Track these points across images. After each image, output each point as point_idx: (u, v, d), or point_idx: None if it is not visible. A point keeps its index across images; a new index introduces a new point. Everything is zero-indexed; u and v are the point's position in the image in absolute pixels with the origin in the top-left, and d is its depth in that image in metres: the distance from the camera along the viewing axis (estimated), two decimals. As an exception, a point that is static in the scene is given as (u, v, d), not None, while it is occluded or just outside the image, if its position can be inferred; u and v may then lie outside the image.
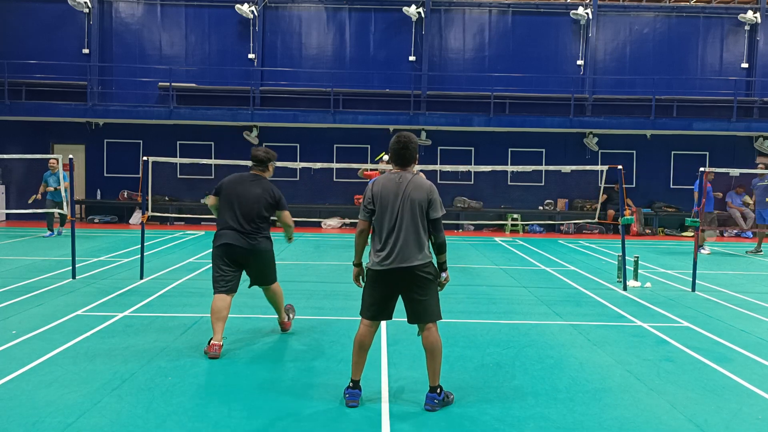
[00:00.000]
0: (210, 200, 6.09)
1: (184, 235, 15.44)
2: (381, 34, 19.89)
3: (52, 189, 14.53)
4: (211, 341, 5.57)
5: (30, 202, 14.98)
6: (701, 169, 9.87)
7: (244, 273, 6.00)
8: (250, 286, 6.20)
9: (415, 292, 4.44)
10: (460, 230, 18.61)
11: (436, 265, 4.52)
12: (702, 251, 14.08)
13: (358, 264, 4.70)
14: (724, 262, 12.90)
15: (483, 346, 6.09)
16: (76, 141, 19.46)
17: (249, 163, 13.21)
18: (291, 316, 6.50)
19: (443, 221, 4.50)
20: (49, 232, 14.54)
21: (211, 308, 5.71)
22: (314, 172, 19.07)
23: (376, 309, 4.55)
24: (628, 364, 5.61)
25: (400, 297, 4.54)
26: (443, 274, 4.53)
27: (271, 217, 6.01)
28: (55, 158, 14.13)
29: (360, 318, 4.59)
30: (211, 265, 6.04)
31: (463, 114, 18.76)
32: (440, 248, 4.47)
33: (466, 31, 19.99)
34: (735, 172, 14.43)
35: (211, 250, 6.04)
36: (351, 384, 4.52)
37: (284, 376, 5.11)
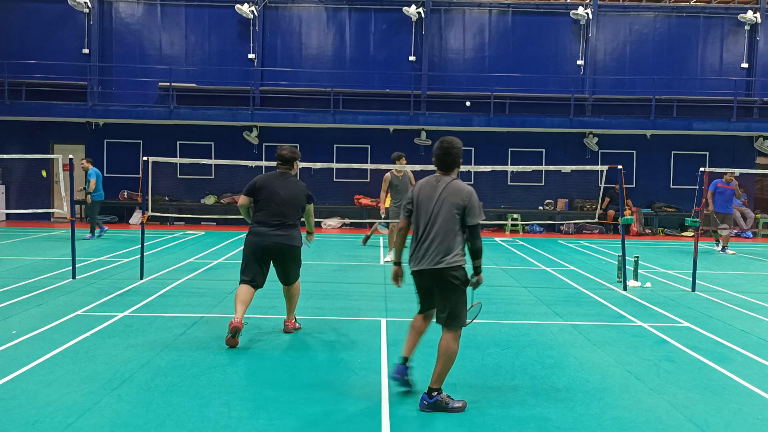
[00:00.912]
0: (243, 200, 6.25)
1: (184, 235, 15.44)
2: (381, 34, 19.89)
3: (91, 186, 14.33)
4: (232, 320, 5.80)
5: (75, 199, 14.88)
6: (701, 169, 9.87)
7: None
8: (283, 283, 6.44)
9: (441, 294, 4.47)
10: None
11: (468, 270, 4.51)
12: (728, 252, 14.22)
13: (397, 263, 4.78)
14: (725, 262, 12.90)
15: (483, 346, 6.09)
16: (76, 141, 19.46)
17: (249, 163, 13.15)
18: (298, 324, 6.55)
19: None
20: (89, 235, 14.33)
21: (236, 294, 6.04)
22: (314, 172, 19.05)
23: (422, 304, 4.74)
24: (628, 364, 5.61)
25: None
26: (475, 278, 4.55)
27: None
28: (85, 159, 14.80)
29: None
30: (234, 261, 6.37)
31: (463, 114, 18.76)
32: (475, 254, 4.49)
33: (466, 31, 20.00)
34: (735, 172, 14.44)
35: (240, 247, 6.42)
36: (401, 360, 4.72)
37: (284, 376, 5.11)
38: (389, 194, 11.80)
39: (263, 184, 6.16)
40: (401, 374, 4.66)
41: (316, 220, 17.81)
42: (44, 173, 15.18)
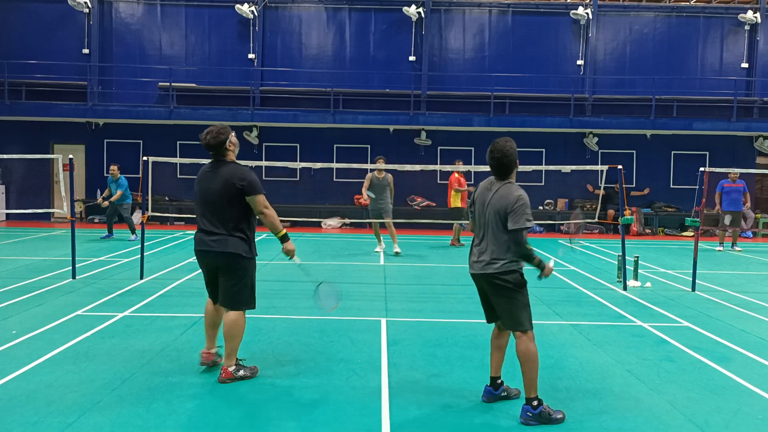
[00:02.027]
0: None
1: (184, 235, 15.43)
2: (381, 34, 19.89)
3: (116, 196, 14.56)
4: (202, 350, 5.24)
5: (99, 202, 15.43)
6: (701, 169, 9.86)
7: None
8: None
9: (495, 300, 4.44)
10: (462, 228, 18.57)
11: (520, 272, 4.41)
12: (735, 249, 14.51)
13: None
14: (725, 262, 12.89)
15: (483, 345, 6.08)
16: (76, 141, 19.47)
17: (249, 163, 13.27)
18: (241, 373, 4.94)
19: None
20: (107, 233, 14.59)
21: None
22: (314, 172, 19.07)
23: (485, 313, 4.64)
24: (628, 364, 5.61)
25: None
26: (541, 275, 4.49)
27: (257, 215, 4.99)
28: (115, 166, 14.83)
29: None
30: None
31: (463, 114, 18.76)
32: (525, 259, 4.36)
33: (466, 31, 20.00)
34: (736, 172, 14.46)
35: None
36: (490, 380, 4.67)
37: (284, 375, 5.11)
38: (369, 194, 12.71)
39: (197, 180, 5.06)
40: (489, 397, 4.61)
41: (316, 220, 17.94)
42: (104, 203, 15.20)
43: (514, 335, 4.40)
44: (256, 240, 5.05)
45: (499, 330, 4.63)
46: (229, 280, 4.88)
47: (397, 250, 12.81)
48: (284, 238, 5.05)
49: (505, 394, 4.66)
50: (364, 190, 12.64)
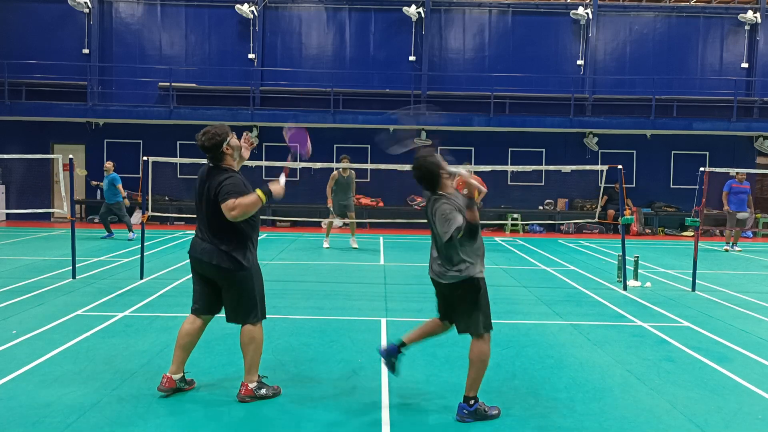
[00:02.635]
0: None
1: (184, 234, 15.43)
2: (381, 34, 19.89)
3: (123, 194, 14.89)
4: (164, 374, 4.66)
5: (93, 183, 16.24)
6: (701, 169, 9.86)
7: None
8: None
9: (452, 306, 4.51)
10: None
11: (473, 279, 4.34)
12: (735, 249, 14.54)
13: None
14: (725, 262, 12.89)
15: (483, 346, 6.08)
16: (76, 141, 19.46)
17: (249, 163, 13.23)
18: (263, 391, 4.58)
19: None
20: (107, 233, 14.67)
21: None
22: (314, 172, 19.06)
23: (440, 311, 4.71)
24: (628, 363, 5.61)
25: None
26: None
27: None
28: (109, 163, 15.00)
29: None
30: None
31: (463, 114, 18.75)
32: (468, 233, 4.18)
33: (466, 31, 19.99)
34: (735, 172, 14.48)
35: None
36: (398, 341, 4.68)
37: (284, 375, 5.10)
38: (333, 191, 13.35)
39: (196, 181, 4.68)
40: (389, 354, 4.60)
41: (316, 220, 17.97)
42: (79, 171, 15.67)
43: (472, 338, 4.39)
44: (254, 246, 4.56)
45: (441, 323, 4.64)
46: (231, 296, 4.51)
47: (356, 245, 13.53)
48: (267, 194, 4.39)
49: (396, 363, 4.64)
50: (328, 190, 13.23)
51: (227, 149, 4.51)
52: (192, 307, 4.67)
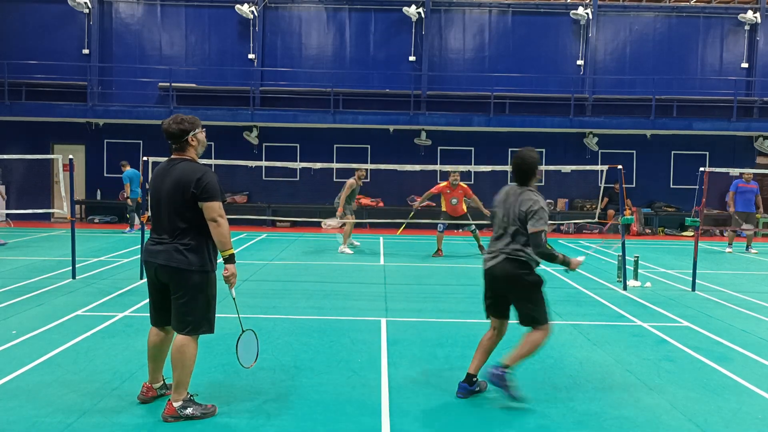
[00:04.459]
0: None
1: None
2: (381, 34, 19.89)
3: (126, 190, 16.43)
4: (144, 383, 4.52)
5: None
6: (701, 169, 9.86)
7: None
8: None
9: (513, 295, 4.71)
10: (461, 230, 18.60)
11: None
12: (751, 251, 14.38)
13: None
14: (725, 262, 12.89)
15: (483, 345, 6.08)
16: (76, 141, 19.46)
17: (249, 163, 13.09)
18: (189, 411, 4.17)
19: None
20: (129, 228, 16.34)
21: None
22: (314, 172, 19.06)
23: (492, 309, 4.87)
24: (628, 363, 5.61)
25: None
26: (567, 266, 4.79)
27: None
28: (124, 162, 16.76)
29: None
30: None
31: (463, 114, 18.76)
32: (546, 259, 4.59)
33: (466, 31, 20.00)
34: (735, 171, 14.46)
35: None
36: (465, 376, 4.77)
37: (283, 375, 5.10)
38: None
39: (151, 179, 4.40)
40: (465, 393, 4.69)
41: (316, 220, 17.99)
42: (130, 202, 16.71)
43: (533, 327, 4.58)
44: (221, 248, 4.20)
45: (498, 331, 4.76)
46: (179, 299, 4.12)
47: (356, 243, 13.96)
48: (231, 259, 4.20)
49: (478, 389, 4.76)
50: (344, 197, 12.88)
51: (192, 140, 4.27)
52: (151, 319, 4.38)
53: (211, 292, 4.21)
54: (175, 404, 4.15)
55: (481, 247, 13.45)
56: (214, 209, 4.09)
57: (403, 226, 14.30)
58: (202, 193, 4.07)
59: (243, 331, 4.48)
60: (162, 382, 4.55)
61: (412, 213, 14.41)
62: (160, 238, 4.19)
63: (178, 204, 4.11)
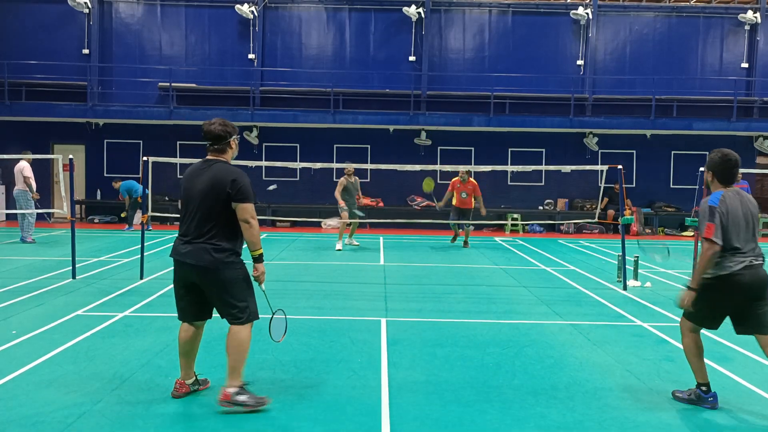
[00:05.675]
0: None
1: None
2: (381, 34, 19.89)
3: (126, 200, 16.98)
4: (177, 380, 4.64)
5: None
6: (701, 169, 9.82)
7: None
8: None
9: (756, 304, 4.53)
10: (461, 230, 18.59)
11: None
12: None
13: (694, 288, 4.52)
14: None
15: (483, 345, 6.09)
16: (76, 141, 19.47)
17: (249, 163, 13.07)
18: (242, 398, 4.29)
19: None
20: (127, 227, 16.74)
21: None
22: (314, 172, 19.07)
23: (734, 323, 4.68)
24: (628, 363, 5.61)
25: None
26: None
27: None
28: (115, 182, 17.41)
29: None
30: None
31: (463, 114, 18.76)
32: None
33: (466, 31, 20.00)
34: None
35: None
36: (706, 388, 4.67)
37: (283, 375, 5.11)
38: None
39: (184, 178, 4.49)
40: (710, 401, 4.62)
41: (316, 220, 17.96)
42: (123, 215, 17.41)
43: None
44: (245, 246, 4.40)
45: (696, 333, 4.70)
46: (215, 295, 4.32)
47: (356, 243, 14.22)
48: (260, 259, 4.39)
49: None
50: (338, 195, 13.27)
51: (232, 144, 4.49)
52: (179, 315, 4.53)
53: (244, 283, 4.35)
54: (230, 390, 4.28)
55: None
56: (247, 210, 4.26)
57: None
58: (236, 194, 4.23)
59: (273, 313, 4.74)
60: (194, 378, 4.64)
61: (439, 203, 14.58)
62: (190, 237, 4.32)
63: (211, 203, 4.24)
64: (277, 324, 4.78)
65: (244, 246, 4.43)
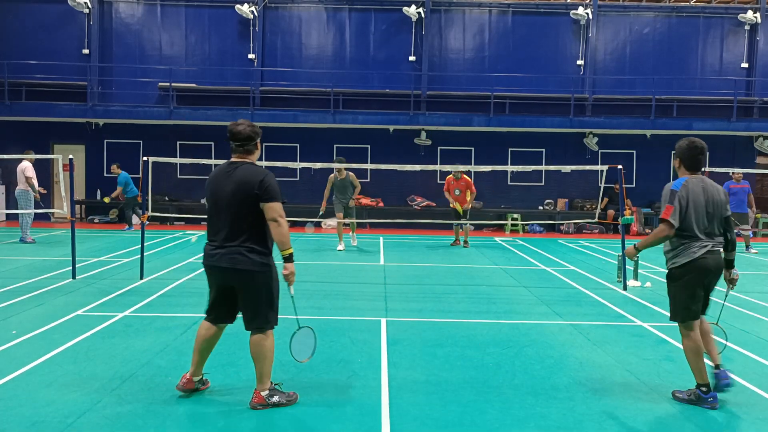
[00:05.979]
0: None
1: (184, 235, 15.43)
2: (381, 34, 19.89)
3: (115, 193, 16.94)
4: (184, 375, 4.66)
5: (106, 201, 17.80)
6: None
7: None
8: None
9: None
10: (461, 230, 18.58)
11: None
12: (751, 251, 14.43)
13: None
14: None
15: (483, 345, 6.09)
16: (76, 141, 19.47)
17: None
18: (275, 399, 4.43)
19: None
20: (127, 227, 16.75)
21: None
22: (314, 172, 19.06)
23: (699, 306, 4.93)
24: (628, 363, 5.61)
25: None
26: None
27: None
28: (114, 165, 17.05)
29: None
30: None
31: (463, 114, 18.76)
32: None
33: (466, 31, 20.00)
34: (736, 171, 14.47)
35: None
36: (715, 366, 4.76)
37: (284, 375, 5.10)
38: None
39: (209, 181, 4.48)
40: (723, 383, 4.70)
41: (316, 220, 18.00)
42: (107, 200, 17.67)
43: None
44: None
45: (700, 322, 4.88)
46: (247, 299, 4.35)
47: (355, 243, 14.09)
48: (290, 258, 4.34)
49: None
50: (326, 192, 13.38)
51: (258, 145, 4.54)
52: (208, 316, 4.55)
53: (275, 287, 4.41)
54: (263, 393, 4.40)
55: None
56: (275, 209, 4.27)
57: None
58: (264, 193, 4.24)
59: (299, 328, 4.69)
60: (201, 377, 4.66)
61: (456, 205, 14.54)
62: (221, 241, 4.30)
63: (240, 205, 4.25)
64: (302, 341, 4.69)
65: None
